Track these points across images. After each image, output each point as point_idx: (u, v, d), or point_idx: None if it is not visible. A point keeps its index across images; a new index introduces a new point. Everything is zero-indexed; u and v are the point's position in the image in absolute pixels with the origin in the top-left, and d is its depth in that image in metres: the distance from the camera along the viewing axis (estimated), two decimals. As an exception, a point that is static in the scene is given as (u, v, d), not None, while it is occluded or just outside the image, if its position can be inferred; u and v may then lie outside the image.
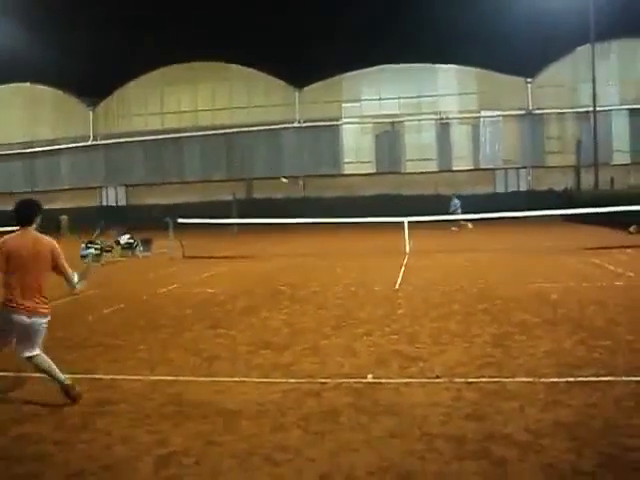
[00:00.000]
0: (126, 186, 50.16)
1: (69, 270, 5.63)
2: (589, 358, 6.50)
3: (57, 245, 5.60)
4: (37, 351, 5.54)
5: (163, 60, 47.65)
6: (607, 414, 4.87)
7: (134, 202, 49.07)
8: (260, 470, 4.12)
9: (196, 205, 43.06)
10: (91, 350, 7.60)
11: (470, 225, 29.27)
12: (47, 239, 5.58)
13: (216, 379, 6.20)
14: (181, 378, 6.23)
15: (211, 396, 5.67)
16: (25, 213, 5.56)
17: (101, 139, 50.35)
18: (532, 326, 8.19)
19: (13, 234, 5.53)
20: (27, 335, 5.47)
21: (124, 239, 21.82)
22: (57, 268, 5.55)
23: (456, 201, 31.20)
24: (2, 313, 5.44)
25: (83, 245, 19.29)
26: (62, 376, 5.55)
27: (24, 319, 5.39)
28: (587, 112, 40.96)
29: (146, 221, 31.42)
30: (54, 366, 5.58)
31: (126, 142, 49.38)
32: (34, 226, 5.56)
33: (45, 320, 5.55)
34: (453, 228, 29.35)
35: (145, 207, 45.06)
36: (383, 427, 4.77)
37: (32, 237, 5.49)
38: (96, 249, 19.30)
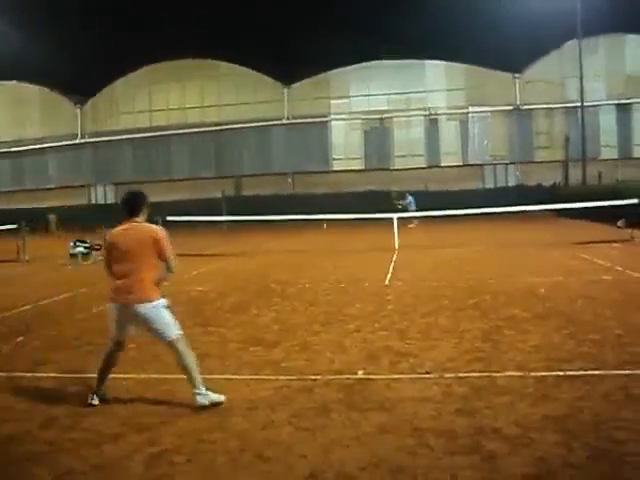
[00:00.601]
0: (115, 184, 49.88)
1: (172, 259, 5.46)
2: (578, 352, 6.53)
3: (162, 233, 5.48)
4: (172, 335, 5.41)
5: (151, 58, 47.43)
6: (596, 408, 4.90)
7: (123, 200, 48.78)
8: (251, 467, 4.12)
9: (185, 203, 42.85)
10: (81, 349, 7.57)
11: (414, 223, 29.10)
12: (150, 227, 5.50)
13: (206, 376, 6.15)
14: (171, 376, 6.20)
15: (202, 394, 5.64)
16: (130, 205, 5.56)
17: (89, 137, 50.06)
18: (521, 321, 8.23)
19: (119, 227, 5.54)
20: (143, 323, 5.43)
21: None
22: (161, 256, 5.43)
23: (410, 198, 31.27)
24: (109, 305, 5.48)
25: (72, 243, 19.16)
26: (200, 382, 5.36)
27: (127, 309, 5.37)
28: (575, 107, 41.11)
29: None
30: (195, 365, 5.44)
31: (114, 140, 49.13)
32: (141, 217, 5.53)
33: (153, 304, 5.35)
34: (410, 225, 28.84)
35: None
36: (374, 423, 4.78)
37: (134, 227, 5.47)
38: (85, 247, 19.16)
